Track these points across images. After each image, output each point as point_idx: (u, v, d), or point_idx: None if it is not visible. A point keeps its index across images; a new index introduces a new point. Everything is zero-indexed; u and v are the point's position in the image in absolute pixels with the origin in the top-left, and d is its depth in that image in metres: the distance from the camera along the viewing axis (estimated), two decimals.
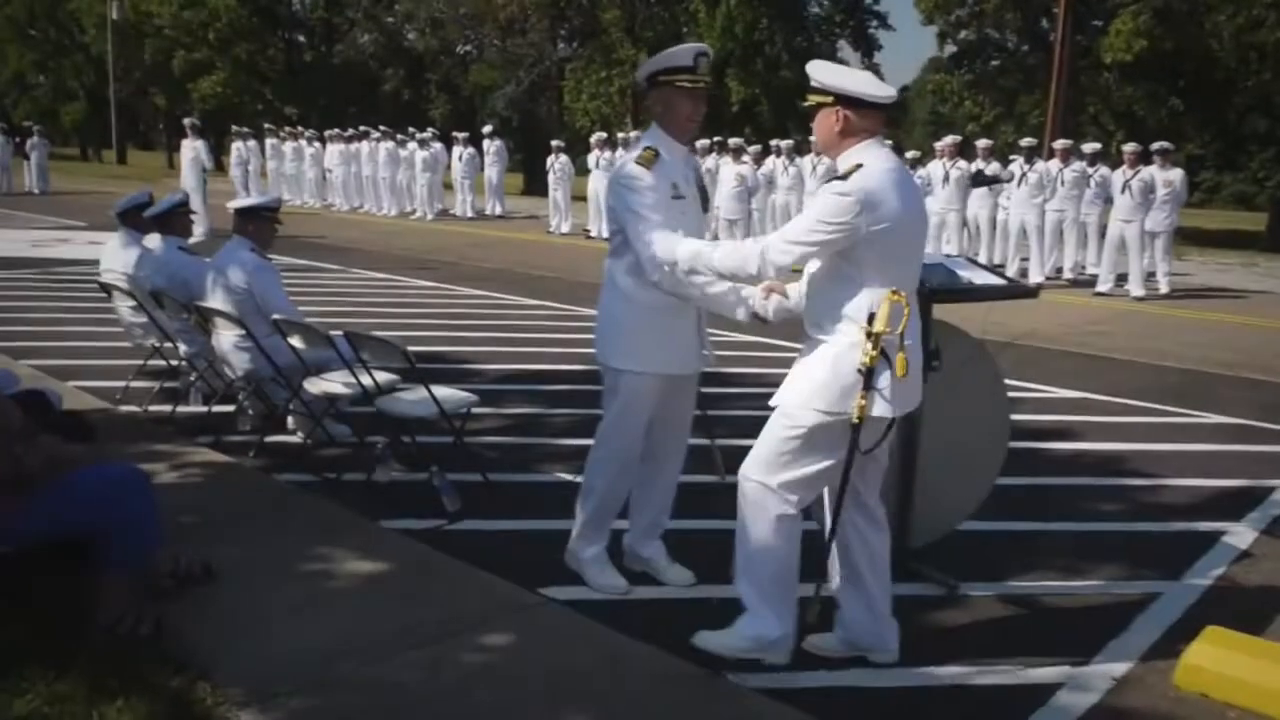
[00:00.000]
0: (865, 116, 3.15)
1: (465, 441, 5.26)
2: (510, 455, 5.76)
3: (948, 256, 4.22)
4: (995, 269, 4.19)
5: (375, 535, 4.48)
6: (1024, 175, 13.75)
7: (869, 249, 3.07)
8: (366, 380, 5.08)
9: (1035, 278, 13.87)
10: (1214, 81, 29.16)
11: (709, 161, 17.05)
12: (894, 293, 3.06)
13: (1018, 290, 4.03)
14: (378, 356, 4.97)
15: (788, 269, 3.27)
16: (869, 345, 3.06)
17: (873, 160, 3.10)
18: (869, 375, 3.08)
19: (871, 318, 3.07)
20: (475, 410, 5.42)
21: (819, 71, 3.20)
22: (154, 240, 6.59)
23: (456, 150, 21.95)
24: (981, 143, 15.19)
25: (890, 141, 3.34)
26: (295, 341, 5.33)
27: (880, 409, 3.13)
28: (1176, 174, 13.28)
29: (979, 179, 4.58)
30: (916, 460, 4.11)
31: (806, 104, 3.26)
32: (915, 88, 58.53)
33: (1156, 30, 27.34)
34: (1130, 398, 7.53)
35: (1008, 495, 4.76)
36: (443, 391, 5.10)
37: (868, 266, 3.10)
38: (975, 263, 4.24)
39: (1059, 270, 14.70)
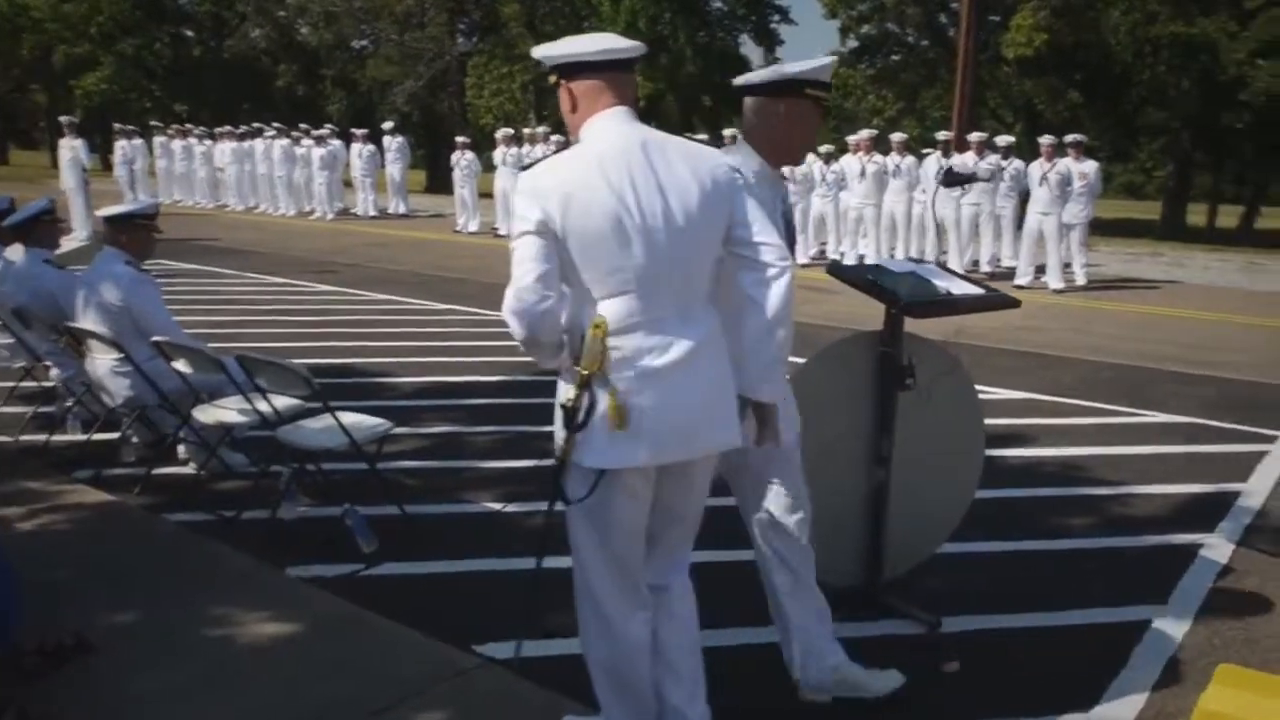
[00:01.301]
0: (589, 85, 2.55)
1: (380, 469, 4.71)
2: (431, 483, 5.22)
3: (917, 262, 3.83)
4: (963, 275, 3.79)
5: (281, 587, 3.92)
6: (940, 169, 13.58)
7: (569, 254, 2.46)
8: (265, 407, 4.50)
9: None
10: (1111, 75, 29.80)
11: None
12: (596, 325, 2.46)
13: (998, 300, 3.66)
14: (276, 383, 4.38)
15: (532, 289, 2.44)
16: (570, 379, 2.52)
17: (593, 137, 2.53)
18: (569, 415, 2.50)
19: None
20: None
21: (538, 50, 2.64)
22: (16, 252, 5.86)
23: (356, 147, 21.09)
24: (896, 137, 15.02)
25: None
26: (180, 365, 4.72)
27: (587, 458, 2.53)
28: (1091, 166, 13.28)
29: (951, 177, 4.20)
30: (888, 485, 3.72)
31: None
32: None
33: (1055, 25, 27.79)
34: (1075, 397, 7.30)
35: (975, 511, 4.39)
36: (352, 418, 4.55)
37: (572, 279, 2.49)
38: (948, 270, 3.86)
39: (975, 263, 14.66)
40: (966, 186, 13.71)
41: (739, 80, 3.05)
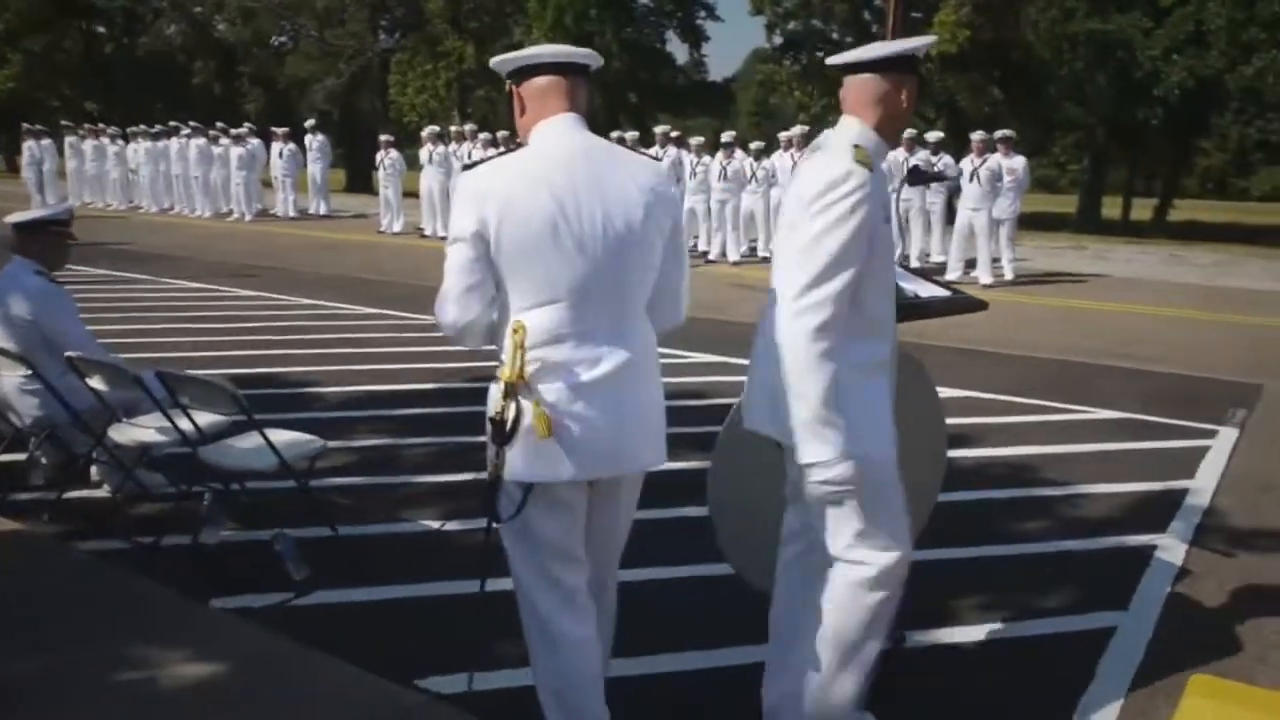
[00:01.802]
0: (539, 90, 2.52)
1: (310, 488, 4.46)
2: (365, 500, 4.96)
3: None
4: (931, 278, 3.66)
5: (205, 621, 3.65)
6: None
7: (504, 259, 2.41)
8: (186, 425, 4.21)
9: None
10: (1030, 71, 30.30)
11: None
12: (515, 331, 2.41)
13: (966, 304, 3.53)
14: (200, 400, 4.10)
15: (460, 300, 2.48)
16: (497, 391, 2.44)
17: (539, 141, 2.50)
18: (497, 428, 2.42)
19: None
20: None
21: (495, 59, 2.61)
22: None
23: (276, 146, 20.49)
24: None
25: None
26: (96, 382, 4.41)
27: (515, 471, 2.47)
28: (1019, 161, 13.39)
29: (917, 176, 4.03)
30: None
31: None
32: (741, 79, 59.21)
33: (977, 22, 28.17)
34: (1012, 393, 7.28)
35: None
36: (282, 436, 4.29)
37: (505, 284, 2.45)
38: (911, 270, 3.72)
39: (905, 258, 14.73)
40: (935, 186, 13.77)
41: (854, 56, 2.71)
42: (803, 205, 2.55)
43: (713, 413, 6.79)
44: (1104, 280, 13.88)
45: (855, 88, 2.69)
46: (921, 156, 14.15)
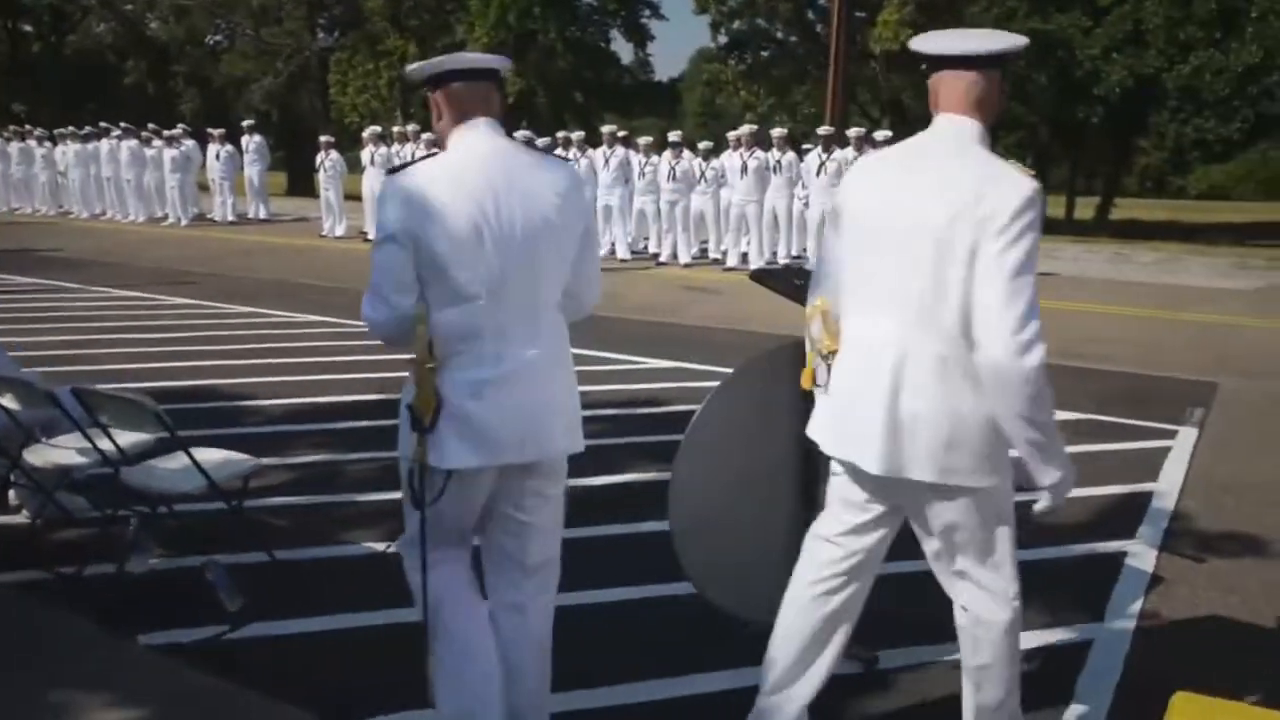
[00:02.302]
0: (455, 96, 2.62)
1: (244, 509, 4.20)
2: (304, 522, 4.69)
3: None
4: None
5: (132, 659, 3.39)
6: (823, 164, 13.52)
7: (425, 258, 2.48)
8: (108, 445, 3.93)
9: None
10: None
11: None
12: (434, 324, 2.49)
13: None
14: (120, 418, 3.83)
15: (386, 300, 2.54)
16: (412, 378, 2.52)
17: (457, 146, 2.60)
18: (416, 417, 2.51)
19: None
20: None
21: (410, 67, 2.73)
22: None
23: (213, 148, 19.93)
24: (776, 132, 14.90)
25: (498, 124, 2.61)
26: (8, 401, 4.10)
27: (433, 458, 2.54)
28: None
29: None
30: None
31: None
32: (687, 78, 59.21)
33: (920, 20, 28.31)
34: None
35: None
36: (212, 455, 4.02)
37: (426, 281, 2.51)
38: None
39: None
40: None
41: (973, 50, 2.54)
42: (992, 228, 2.38)
43: (670, 421, 6.66)
44: (1052, 279, 13.90)
45: (980, 84, 2.53)
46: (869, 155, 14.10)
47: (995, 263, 2.37)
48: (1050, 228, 29.05)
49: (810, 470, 3.34)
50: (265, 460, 4.51)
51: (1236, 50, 24.41)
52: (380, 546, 4.36)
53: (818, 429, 2.78)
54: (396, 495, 4.91)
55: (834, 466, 2.80)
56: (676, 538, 3.15)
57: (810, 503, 3.35)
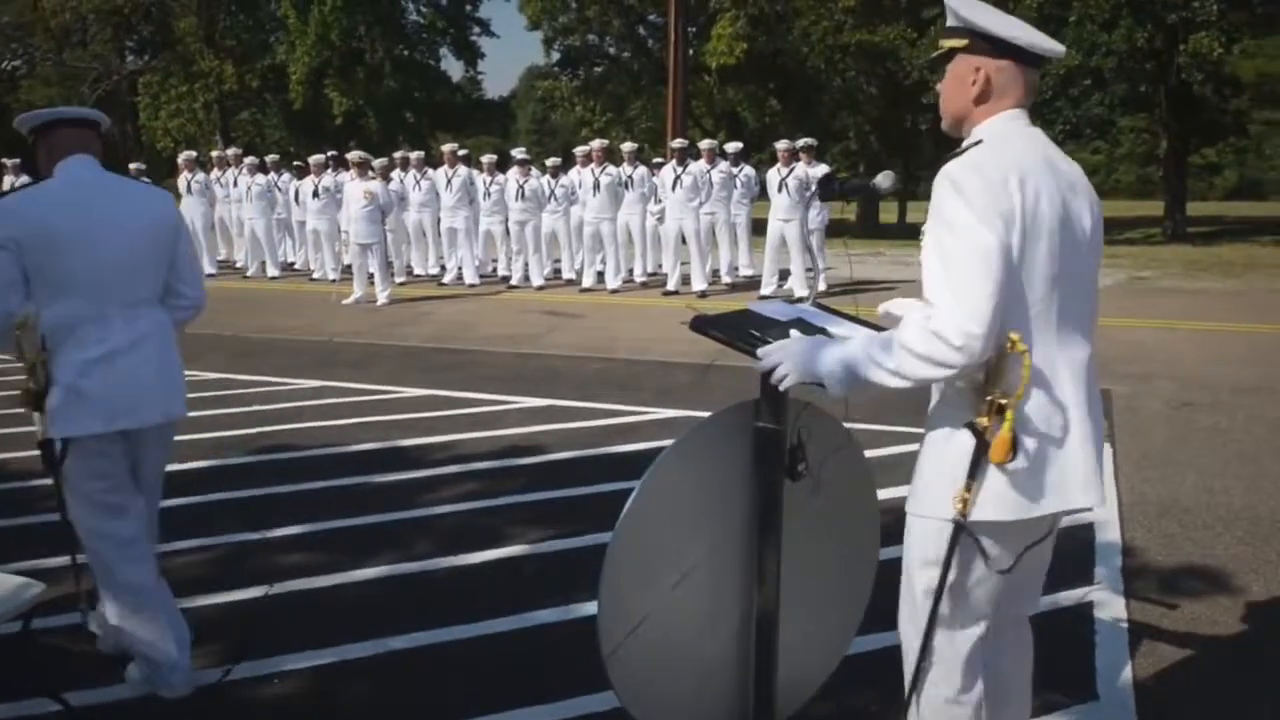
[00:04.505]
0: (54, 139, 3.18)
1: (32, 631, 3.28)
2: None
3: (795, 304, 2.88)
4: (857, 319, 2.88)
5: None
6: (678, 178, 13.03)
7: (36, 263, 3.02)
8: None
9: (698, 285, 13.26)
10: (806, 82, 30.90)
11: (326, 179, 14.98)
12: (39, 317, 2.99)
13: None
14: None
15: None
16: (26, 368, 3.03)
17: (63, 175, 3.13)
18: (33, 397, 3.03)
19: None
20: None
21: (18, 120, 3.29)
22: None
23: (8, 180, 18.09)
24: (627, 146, 14.37)
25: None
26: None
27: (55, 429, 3.05)
28: (823, 170, 13.15)
29: (828, 189, 3.22)
30: (776, 610, 2.75)
31: None
32: (519, 95, 58.54)
33: (753, 34, 28.45)
34: (871, 420, 6.68)
35: None
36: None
37: (35, 282, 3.04)
38: (829, 310, 2.92)
39: (716, 273, 14.27)
40: (736, 197, 13.30)
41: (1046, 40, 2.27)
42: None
43: (551, 473, 5.85)
44: (913, 286, 13.76)
45: (1028, 77, 2.28)
46: (724, 168, 13.74)
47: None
48: (884, 233, 29.69)
49: (768, 558, 2.70)
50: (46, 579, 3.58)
51: None
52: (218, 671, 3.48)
53: (999, 499, 2.22)
54: (230, 596, 4.03)
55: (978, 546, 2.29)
56: (610, 663, 2.47)
57: (769, 597, 2.72)
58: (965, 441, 2.21)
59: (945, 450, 2.27)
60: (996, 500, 2.22)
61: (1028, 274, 2.13)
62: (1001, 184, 2.10)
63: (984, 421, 2.17)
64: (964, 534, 2.25)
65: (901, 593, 2.49)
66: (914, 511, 2.38)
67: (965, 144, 2.28)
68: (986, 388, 2.17)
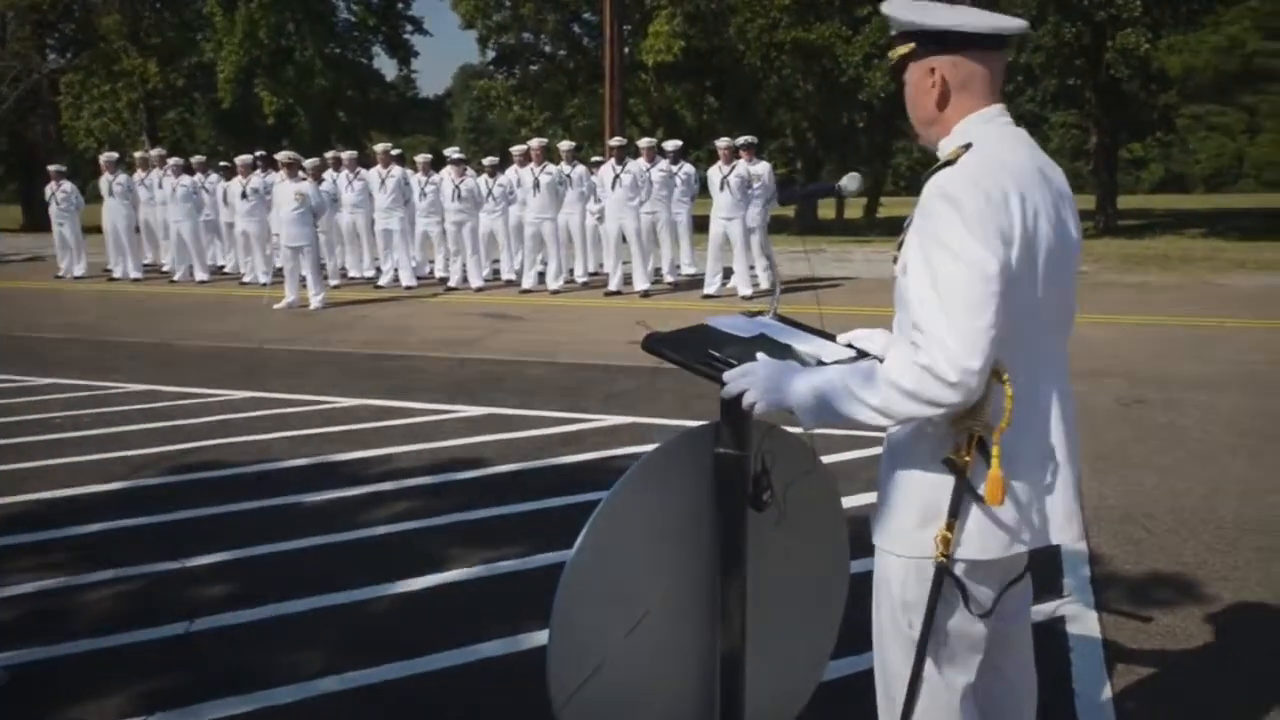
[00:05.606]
0: None
1: None
2: (27, 689, 3.43)
3: (755, 317, 2.65)
4: (822, 332, 2.67)
5: None
6: (617, 176, 12.79)
7: None
8: None
9: (641, 285, 13.06)
10: (742, 79, 30.84)
11: (254, 180, 14.51)
12: None
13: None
14: None
15: None
16: None
17: None
18: None
19: None
20: None
21: None
22: None
23: None
24: (564, 145, 14.12)
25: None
26: None
27: None
28: (764, 167, 13.03)
29: (789, 192, 3.01)
30: (743, 647, 2.53)
31: None
32: (455, 94, 57.93)
33: (690, 32, 28.31)
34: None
35: None
36: None
37: None
38: (792, 322, 2.70)
39: (658, 272, 14.08)
40: (677, 196, 13.12)
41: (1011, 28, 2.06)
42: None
43: (495, 488, 5.60)
44: (856, 284, 13.72)
45: (991, 64, 2.07)
46: (662, 166, 13.54)
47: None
48: (822, 229, 29.74)
49: (733, 592, 2.48)
50: None
51: None
52: None
53: (984, 536, 2.02)
54: (152, 633, 3.73)
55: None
56: (563, 715, 2.24)
57: (734, 633, 2.50)
58: (942, 478, 2.00)
59: (921, 485, 2.05)
60: (981, 538, 2.02)
61: (1020, 299, 1.91)
62: (1002, 202, 1.87)
63: (965, 458, 1.96)
64: (947, 576, 2.04)
65: (875, 624, 2.28)
66: (889, 550, 2.16)
67: (947, 149, 2.05)
68: (963, 420, 1.96)
